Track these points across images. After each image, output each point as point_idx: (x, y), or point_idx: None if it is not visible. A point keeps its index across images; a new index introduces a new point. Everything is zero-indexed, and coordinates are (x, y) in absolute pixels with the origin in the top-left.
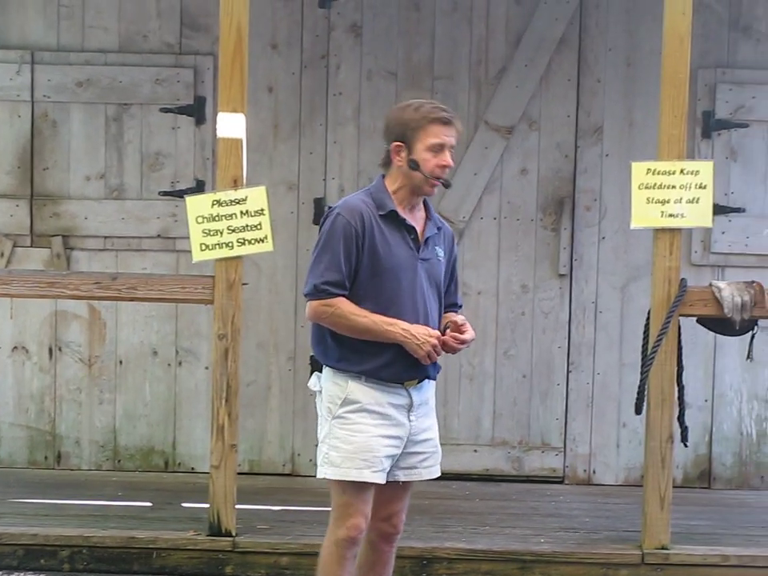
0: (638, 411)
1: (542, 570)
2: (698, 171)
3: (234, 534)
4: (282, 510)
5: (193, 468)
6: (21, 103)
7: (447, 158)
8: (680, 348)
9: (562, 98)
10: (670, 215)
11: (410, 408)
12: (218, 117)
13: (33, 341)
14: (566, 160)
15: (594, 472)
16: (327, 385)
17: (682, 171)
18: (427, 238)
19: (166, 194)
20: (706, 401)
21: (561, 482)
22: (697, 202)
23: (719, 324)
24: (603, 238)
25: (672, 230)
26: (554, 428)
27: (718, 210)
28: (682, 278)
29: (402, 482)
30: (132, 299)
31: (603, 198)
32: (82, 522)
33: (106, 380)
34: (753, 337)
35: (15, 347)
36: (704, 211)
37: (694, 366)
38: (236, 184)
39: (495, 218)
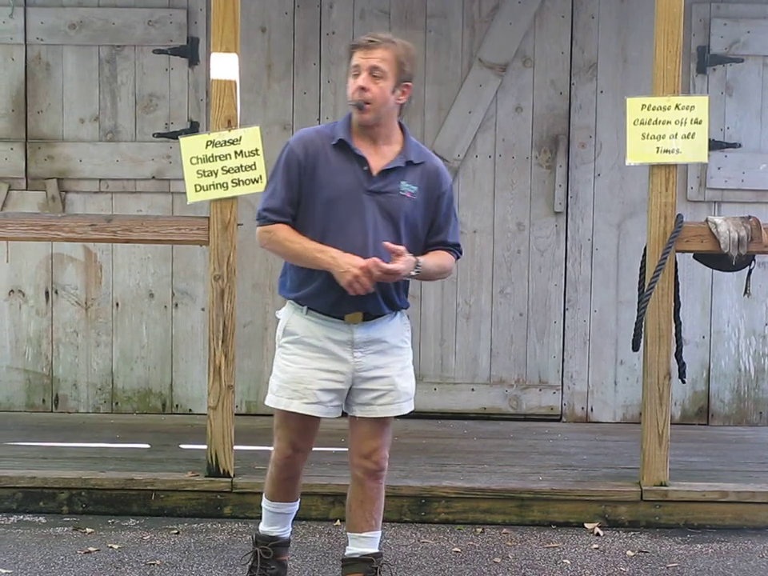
0: (636, 348)
1: (540, 507)
2: (693, 106)
3: (232, 474)
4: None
5: (190, 410)
6: (14, 46)
7: (360, 80)
8: (677, 284)
9: (556, 34)
10: (666, 151)
11: (353, 344)
12: (212, 57)
13: (29, 284)
14: (561, 97)
15: (592, 409)
16: (280, 314)
17: (677, 107)
18: (386, 171)
19: (160, 135)
20: (703, 337)
21: (558, 420)
22: (692, 137)
23: (716, 260)
24: (599, 174)
25: (668, 166)
26: (552, 366)
27: (714, 145)
28: (678, 214)
29: (369, 418)
30: (127, 241)
31: (598, 134)
32: (80, 465)
33: (103, 323)
34: (750, 272)
35: (11, 291)
36: (700, 147)
37: (691, 302)
38: (230, 124)
39: (490, 156)
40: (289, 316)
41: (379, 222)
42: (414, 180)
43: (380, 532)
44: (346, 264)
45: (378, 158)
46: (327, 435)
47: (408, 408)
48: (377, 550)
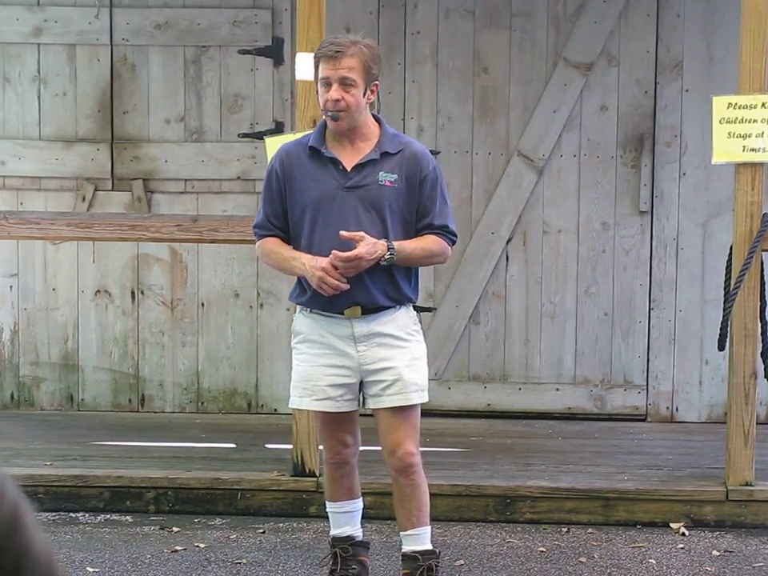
0: (721, 347)
1: (625, 507)
2: None
3: (317, 474)
4: (366, 450)
5: (276, 409)
6: (100, 47)
7: (332, 92)
8: (763, 283)
9: (641, 33)
10: (752, 149)
11: (354, 338)
12: (296, 57)
13: (115, 284)
14: (646, 96)
15: (677, 409)
16: None
17: (763, 105)
18: (361, 165)
19: (245, 135)
20: None
21: (643, 420)
22: None
23: None
24: (684, 174)
25: (754, 165)
26: (636, 366)
27: None
28: (765, 213)
29: (384, 411)
30: (213, 241)
31: (684, 133)
32: (166, 464)
33: (188, 322)
34: None
35: (98, 291)
36: None
37: None
38: (315, 125)
39: (575, 156)
40: (296, 316)
41: (362, 216)
42: (392, 169)
43: (427, 528)
44: (311, 268)
45: (354, 156)
46: None
47: (418, 399)
48: (424, 547)
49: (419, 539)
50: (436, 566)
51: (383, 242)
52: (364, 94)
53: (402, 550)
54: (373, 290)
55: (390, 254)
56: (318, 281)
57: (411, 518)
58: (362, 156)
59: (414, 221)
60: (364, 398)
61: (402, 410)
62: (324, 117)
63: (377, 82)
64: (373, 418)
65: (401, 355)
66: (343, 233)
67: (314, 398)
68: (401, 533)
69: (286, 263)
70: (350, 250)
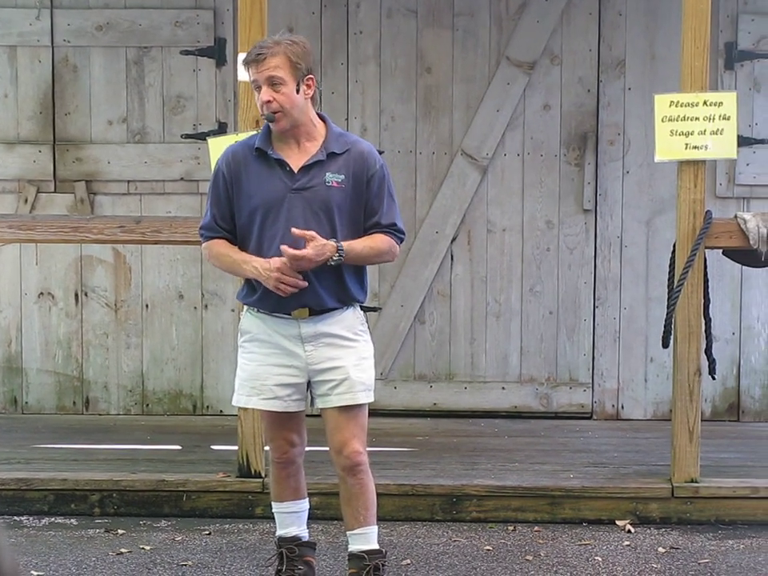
0: (666, 345)
1: (571, 505)
2: (721, 102)
3: (263, 475)
4: (312, 450)
5: (221, 411)
6: (41, 48)
7: (262, 94)
8: (706, 281)
9: (584, 31)
10: (694, 147)
11: (302, 338)
12: (239, 58)
13: (58, 286)
14: (589, 94)
15: (623, 407)
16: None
17: (705, 103)
18: (308, 166)
19: (188, 136)
20: (733, 333)
21: (589, 418)
22: (721, 133)
23: (745, 256)
24: (627, 172)
25: (696, 162)
26: (582, 364)
27: (743, 141)
28: (707, 210)
29: (331, 410)
30: (156, 242)
31: (627, 131)
32: (111, 467)
33: (133, 324)
34: None
35: (41, 293)
36: (728, 143)
37: (721, 298)
38: (258, 125)
39: (519, 155)
40: (244, 316)
41: (310, 218)
42: (339, 169)
43: (374, 527)
44: (265, 271)
45: (301, 156)
46: None
47: (365, 398)
48: (371, 547)
49: (366, 538)
50: (382, 565)
51: (332, 243)
52: (297, 91)
53: (349, 550)
54: (321, 291)
55: (339, 255)
56: (275, 282)
57: (358, 517)
58: (309, 157)
59: (362, 220)
60: (312, 398)
61: (349, 410)
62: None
63: (311, 76)
64: (319, 418)
65: (348, 355)
66: (294, 230)
67: (261, 397)
68: (348, 532)
69: (235, 266)
70: (300, 249)
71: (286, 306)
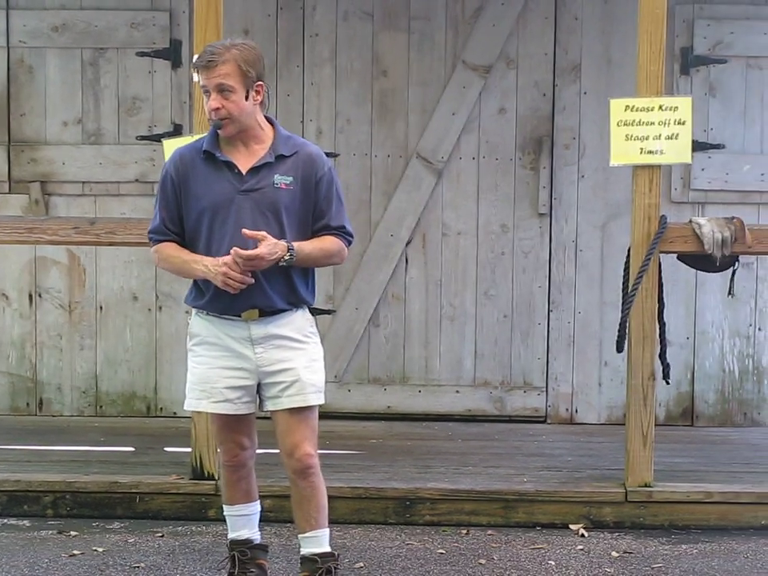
0: (620, 349)
1: (525, 509)
2: (676, 107)
3: (216, 477)
4: (264, 453)
5: (175, 413)
6: None
7: (211, 101)
8: (661, 285)
9: (540, 35)
10: (649, 152)
11: (252, 340)
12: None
13: (13, 287)
14: (545, 99)
15: (577, 411)
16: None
17: (660, 107)
18: (256, 168)
19: (143, 138)
20: (687, 338)
21: (543, 422)
22: (676, 138)
23: (700, 260)
24: (583, 176)
25: (651, 167)
26: (536, 367)
27: (698, 146)
28: (662, 215)
29: (282, 412)
30: (111, 244)
31: (582, 136)
32: (64, 468)
33: (87, 326)
34: (734, 273)
35: None
36: (683, 147)
37: (675, 303)
38: None
39: (474, 158)
40: (193, 319)
41: (259, 219)
42: (287, 171)
43: (326, 530)
44: (214, 268)
45: (249, 158)
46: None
47: (316, 400)
48: (323, 549)
49: (318, 541)
50: (335, 568)
51: (284, 243)
52: (246, 98)
53: (301, 553)
54: (271, 293)
55: (290, 255)
56: (222, 277)
57: (310, 520)
58: (257, 159)
59: (311, 222)
60: (261, 401)
61: (300, 412)
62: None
63: (260, 83)
64: (270, 421)
65: (299, 357)
66: (246, 231)
67: (211, 399)
68: (299, 535)
69: (186, 266)
70: (251, 249)
71: (236, 308)
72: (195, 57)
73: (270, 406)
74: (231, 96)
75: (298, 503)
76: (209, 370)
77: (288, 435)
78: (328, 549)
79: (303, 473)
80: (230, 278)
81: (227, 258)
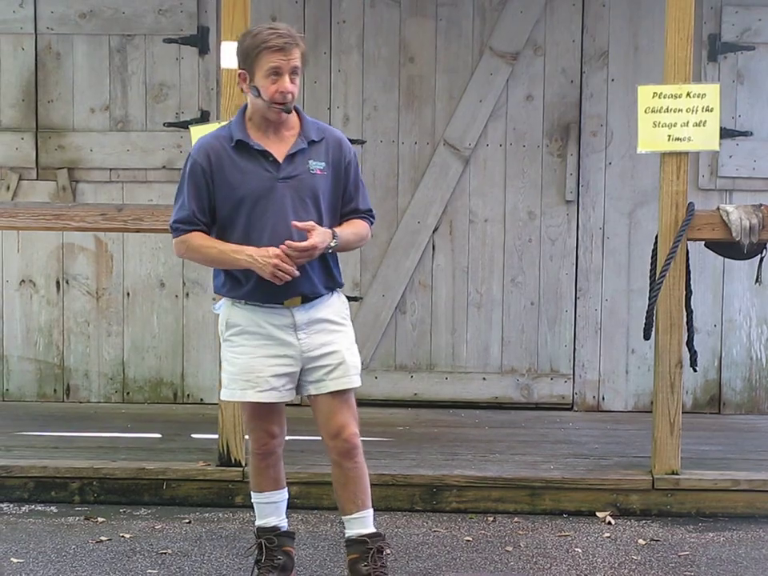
0: (647, 336)
1: (551, 496)
2: (704, 94)
3: (243, 464)
4: (291, 439)
5: (202, 399)
6: (24, 36)
7: (286, 83)
8: (688, 273)
9: (567, 22)
10: (677, 139)
11: (295, 327)
12: (222, 46)
13: (40, 274)
14: (572, 85)
15: (603, 398)
16: (220, 310)
17: (688, 94)
18: (292, 155)
19: (170, 125)
20: (714, 326)
21: (570, 409)
22: (704, 125)
23: (727, 248)
24: (610, 163)
25: (679, 154)
26: (563, 355)
27: (725, 133)
28: (690, 202)
29: (325, 395)
30: (138, 230)
31: (609, 123)
32: (91, 454)
33: (114, 312)
34: (761, 260)
35: (23, 281)
36: (711, 134)
37: (703, 290)
38: None
39: (501, 145)
40: (229, 309)
41: (299, 207)
42: (319, 156)
43: (371, 511)
44: (262, 258)
45: (281, 145)
46: None
47: (358, 382)
48: (371, 530)
49: (365, 522)
50: (386, 546)
51: (329, 230)
52: None
53: (347, 535)
54: (314, 279)
55: (335, 242)
56: (272, 269)
57: (356, 501)
58: (290, 146)
59: (340, 206)
60: (300, 386)
61: (343, 393)
62: (269, 108)
63: None
64: (298, 408)
65: (341, 339)
66: (296, 223)
67: (257, 389)
68: (344, 517)
69: (223, 256)
70: (301, 240)
71: (281, 296)
72: (253, 39)
73: (312, 390)
74: (297, 80)
75: (343, 485)
76: (252, 359)
77: (333, 417)
78: (374, 529)
79: (350, 453)
80: (280, 269)
81: (278, 250)
